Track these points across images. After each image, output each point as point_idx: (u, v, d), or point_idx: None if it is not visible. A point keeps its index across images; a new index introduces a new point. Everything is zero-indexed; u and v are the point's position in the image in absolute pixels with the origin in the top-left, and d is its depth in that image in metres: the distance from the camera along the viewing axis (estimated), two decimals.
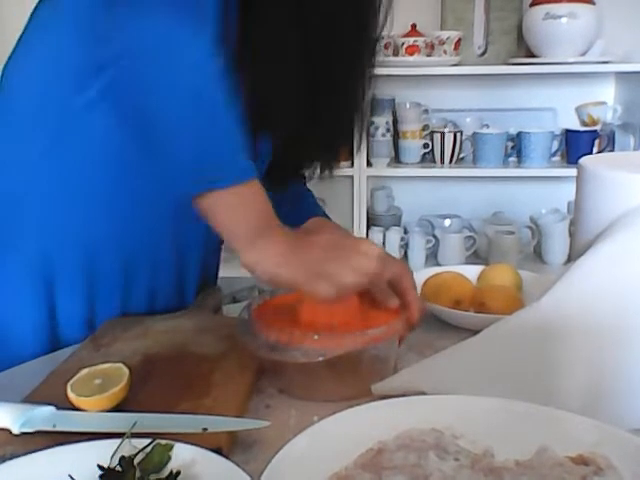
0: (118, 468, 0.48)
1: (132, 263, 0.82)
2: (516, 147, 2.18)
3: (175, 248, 0.85)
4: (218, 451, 0.50)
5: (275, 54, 0.74)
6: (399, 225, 2.30)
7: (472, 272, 0.93)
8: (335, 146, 0.92)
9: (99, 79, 0.61)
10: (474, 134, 2.16)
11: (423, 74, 2.14)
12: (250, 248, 0.63)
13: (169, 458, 0.49)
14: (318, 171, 0.92)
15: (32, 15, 0.77)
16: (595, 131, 2.10)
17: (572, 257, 0.65)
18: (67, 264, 0.79)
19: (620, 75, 2.23)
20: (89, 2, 0.62)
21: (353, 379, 0.65)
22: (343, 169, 2.18)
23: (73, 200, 0.77)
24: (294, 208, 0.87)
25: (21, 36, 0.77)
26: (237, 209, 0.63)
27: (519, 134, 2.15)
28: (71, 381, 0.60)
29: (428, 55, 2.13)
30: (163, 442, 0.50)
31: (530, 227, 2.19)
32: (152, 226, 0.82)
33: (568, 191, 0.93)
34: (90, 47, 0.62)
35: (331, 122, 0.86)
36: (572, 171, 0.72)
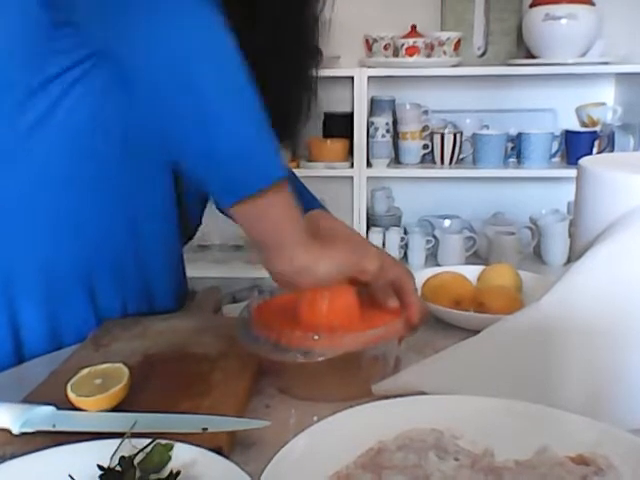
0: (118, 468, 0.48)
1: (95, 274, 0.81)
2: (516, 148, 2.18)
3: (137, 253, 0.85)
4: (218, 451, 0.50)
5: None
6: (399, 226, 2.30)
7: (472, 272, 0.93)
8: (288, 122, 0.90)
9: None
10: (474, 135, 2.16)
11: (423, 75, 2.14)
12: (304, 250, 0.60)
13: (169, 458, 0.49)
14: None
15: None
16: (595, 132, 2.10)
17: (572, 258, 0.65)
18: (27, 278, 0.78)
19: (620, 76, 2.23)
20: None
21: (353, 379, 0.65)
22: (343, 169, 2.19)
23: (30, 216, 0.76)
24: None
25: None
26: (281, 211, 0.59)
27: (519, 135, 2.15)
28: (71, 381, 0.60)
29: (428, 56, 2.13)
30: (163, 442, 0.50)
31: (530, 228, 2.19)
32: (113, 235, 0.81)
33: (568, 192, 0.93)
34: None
35: (279, 97, 0.85)
36: (572, 172, 0.72)
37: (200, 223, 1.00)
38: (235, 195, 0.58)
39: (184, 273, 0.99)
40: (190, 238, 1.00)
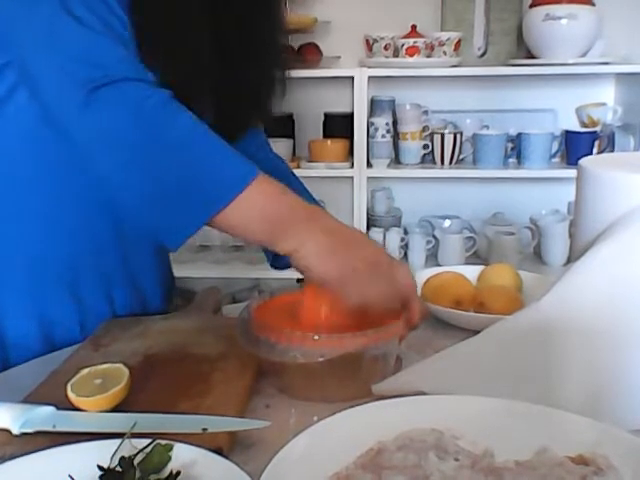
0: (118, 468, 0.48)
1: (80, 274, 0.82)
2: (516, 148, 2.18)
3: (123, 252, 0.85)
4: (218, 451, 0.50)
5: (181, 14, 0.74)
6: (399, 226, 2.30)
7: (472, 272, 0.93)
8: (260, 99, 0.91)
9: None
10: (474, 135, 2.16)
11: (423, 75, 2.14)
12: (285, 237, 0.63)
13: (169, 458, 0.49)
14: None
15: None
16: (595, 132, 2.10)
17: (572, 258, 0.65)
18: (13, 281, 0.78)
19: (620, 76, 2.23)
20: None
21: (353, 379, 0.65)
22: (343, 170, 2.19)
23: (13, 215, 0.77)
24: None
25: None
26: (251, 212, 0.63)
27: (519, 135, 2.15)
28: (71, 381, 0.60)
29: (428, 56, 2.13)
30: (163, 442, 0.50)
31: (530, 228, 2.19)
32: (97, 235, 0.82)
33: (568, 192, 0.93)
34: None
35: (248, 73, 0.85)
36: (572, 172, 0.72)
37: None
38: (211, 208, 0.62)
39: (171, 271, 0.99)
40: None
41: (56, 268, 0.80)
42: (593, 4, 2.05)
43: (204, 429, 0.54)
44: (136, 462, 0.48)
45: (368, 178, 2.19)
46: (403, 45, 2.10)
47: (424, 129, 2.19)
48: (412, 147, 2.18)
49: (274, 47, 0.88)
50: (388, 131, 2.16)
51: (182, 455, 0.49)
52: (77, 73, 0.63)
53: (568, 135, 2.12)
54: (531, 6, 2.09)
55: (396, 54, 2.14)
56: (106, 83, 0.62)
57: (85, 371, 0.62)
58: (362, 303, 0.63)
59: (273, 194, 0.64)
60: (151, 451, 0.49)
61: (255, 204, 0.63)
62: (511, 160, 2.21)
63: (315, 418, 0.53)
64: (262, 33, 0.85)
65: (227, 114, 0.84)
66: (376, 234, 2.21)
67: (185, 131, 0.64)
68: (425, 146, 2.19)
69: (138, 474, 0.48)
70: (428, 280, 0.90)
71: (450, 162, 2.18)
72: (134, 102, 0.63)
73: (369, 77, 2.10)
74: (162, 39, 0.72)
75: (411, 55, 2.10)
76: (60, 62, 0.63)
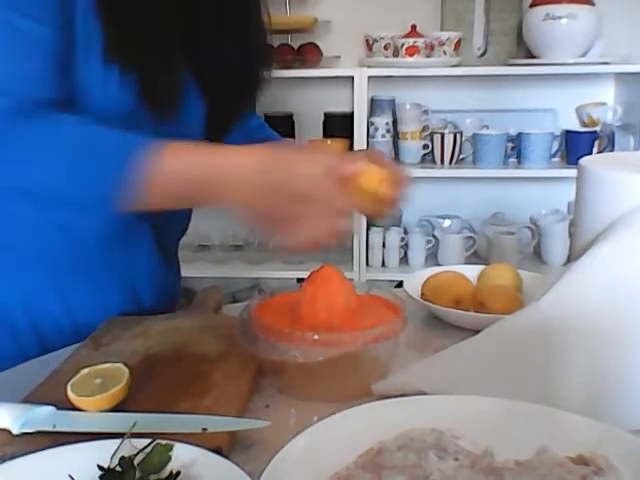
0: (118, 468, 0.48)
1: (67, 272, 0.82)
2: (516, 148, 2.18)
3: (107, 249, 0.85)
4: (218, 451, 0.50)
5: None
6: (399, 225, 2.30)
7: (472, 272, 0.93)
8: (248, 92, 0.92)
9: None
10: (474, 135, 2.16)
11: (423, 75, 2.13)
12: (220, 188, 0.64)
13: (169, 458, 0.49)
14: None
15: None
16: (595, 132, 2.10)
17: (572, 257, 0.65)
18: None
19: (620, 76, 2.23)
20: None
21: (353, 379, 0.65)
22: None
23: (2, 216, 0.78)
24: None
25: None
26: (165, 179, 0.64)
27: (519, 135, 2.15)
28: (71, 381, 0.60)
29: (428, 56, 2.13)
30: (163, 442, 0.50)
31: (530, 228, 2.19)
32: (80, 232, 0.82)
33: (568, 192, 0.93)
34: None
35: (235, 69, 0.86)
36: (572, 172, 0.72)
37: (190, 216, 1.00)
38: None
39: (173, 272, 0.99)
40: (183, 233, 1.00)
41: (43, 264, 0.80)
42: (593, 4, 2.05)
43: (204, 429, 0.54)
44: (136, 462, 0.48)
45: None
46: (403, 45, 2.09)
47: (424, 129, 2.19)
48: (412, 147, 2.18)
49: (251, 32, 0.88)
50: (388, 131, 2.16)
51: (182, 455, 0.49)
52: None
53: (568, 135, 2.12)
54: (531, 6, 2.09)
55: (396, 54, 2.14)
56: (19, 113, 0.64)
57: (85, 371, 0.62)
58: (301, 243, 0.64)
59: (188, 154, 0.65)
60: (151, 451, 0.49)
61: (172, 168, 0.64)
62: (511, 160, 2.21)
63: (315, 418, 0.53)
64: (238, 19, 0.85)
65: (214, 105, 0.86)
66: (376, 234, 2.21)
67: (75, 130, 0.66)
68: (425, 146, 2.19)
69: (138, 474, 0.48)
70: (428, 280, 0.90)
71: (450, 162, 2.18)
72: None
73: (369, 77, 2.10)
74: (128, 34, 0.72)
75: (411, 55, 2.10)
76: None
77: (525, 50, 2.19)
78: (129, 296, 0.88)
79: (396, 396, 0.57)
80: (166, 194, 0.66)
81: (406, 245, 2.21)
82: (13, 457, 0.50)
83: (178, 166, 0.65)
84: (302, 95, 2.32)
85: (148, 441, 0.50)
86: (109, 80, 0.70)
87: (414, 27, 2.13)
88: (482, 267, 0.95)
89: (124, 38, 0.70)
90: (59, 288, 0.82)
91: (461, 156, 2.20)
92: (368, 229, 2.25)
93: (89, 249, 0.82)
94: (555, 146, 2.15)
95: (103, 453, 0.49)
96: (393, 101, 2.24)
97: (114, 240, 0.84)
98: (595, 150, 2.10)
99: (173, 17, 0.75)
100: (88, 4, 0.68)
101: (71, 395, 0.58)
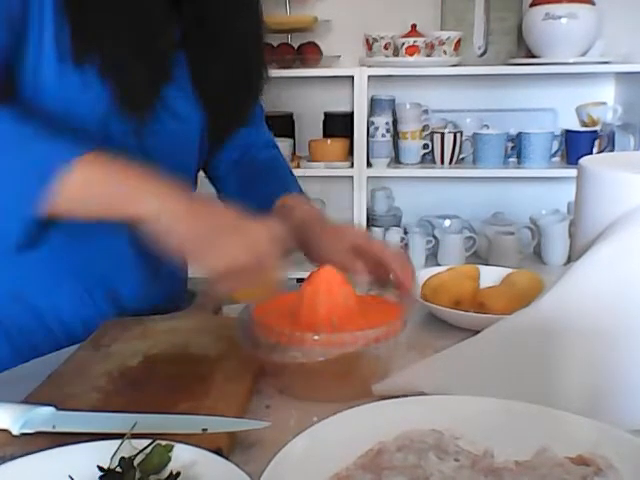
0: (118, 469, 0.48)
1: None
2: (516, 148, 2.18)
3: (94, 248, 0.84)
4: (218, 452, 0.50)
5: None
6: (399, 226, 2.30)
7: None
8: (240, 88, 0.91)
9: None
10: (474, 134, 2.16)
11: (423, 74, 2.14)
12: (144, 200, 0.64)
13: (169, 459, 0.49)
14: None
15: None
16: (595, 131, 2.10)
17: (572, 258, 0.65)
18: None
19: (620, 75, 2.23)
20: None
21: (353, 379, 0.65)
22: (343, 169, 2.19)
23: None
24: (267, 178, 0.90)
25: None
26: (93, 182, 0.64)
27: (519, 134, 2.15)
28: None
29: (428, 55, 2.13)
30: (163, 443, 0.49)
31: (530, 228, 2.19)
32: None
33: (568, 192, 0.93)
34: None
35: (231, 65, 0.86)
36: (572, 172, 0.72)
37: None
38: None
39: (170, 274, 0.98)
40: None
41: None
42: (593, 3, 2.05)
43: (204, 429, 0.54)
44: (136, 463, 0.48)
45: (368, 178, 2.19)
46: (403, 44, 2.10)
47: (424, 128, 2.19)
48: (412, 146, 2.18)
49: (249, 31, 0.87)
50: (388, 130, 2.16)
51: (182, 456, 0.49)
52: None
53: (568, 134, 2.12)
54: (531, 5, 2.09)
55: (396, 53, 2.14)
56: None
57: None
58: (220, 265, 0.65)
59: (111, 169, 0.65)
60: (151, 452, 0.49)
61: (93, 178, 0.64)
62: (511, 159, 2.21)
63: (315, 418, 0.52)
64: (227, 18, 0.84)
65: (209, 113, 0.86)
66: (376, 234, 2.21)
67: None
68: (425, 145, 2.19)
69: (138, 475, 0.47)
70: (428, 280, 0.90)
71: (450, 162, 2.18)
72: None
73: (369, 76, 2.10)
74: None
75: (411, 54, 2.10)
76: None
77: (525, 49, 2.19)
78: (110, 298, 0.87)
79: (396, 396, 0.57)
80: (79, 203, 0.65)
81: (406, 245, 2.21)
82: (13, 457, 0.50)
83: (93, 177, 0.64)
84: (302, 95, 2.32)
85: (148, 442, 0.49)
86: (72, 79, 0.71)
87: (414, 27, 2.13)
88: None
89: (91, 37, 0.71)
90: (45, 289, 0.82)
91: (461, 156, 2.20)
92: (368, 229, 2.25)
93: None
94: (555, 146, 2.16)
95: (103, 454, 0.49)
96: (393, 101, 2.24)
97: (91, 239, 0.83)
98: (595, 150, 2.10)
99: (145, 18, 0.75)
100: (57, 5, 0.68)
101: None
